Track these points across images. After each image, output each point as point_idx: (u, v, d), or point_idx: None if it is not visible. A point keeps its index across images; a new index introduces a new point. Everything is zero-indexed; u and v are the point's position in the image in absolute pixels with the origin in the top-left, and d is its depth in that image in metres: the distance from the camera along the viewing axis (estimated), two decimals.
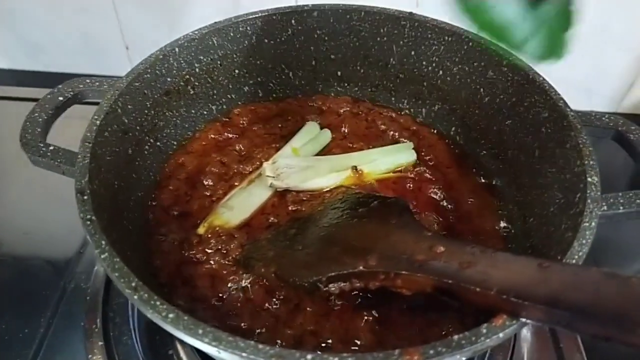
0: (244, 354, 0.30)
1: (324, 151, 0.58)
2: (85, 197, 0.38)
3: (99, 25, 0.92)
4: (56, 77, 0.99)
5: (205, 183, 0.54)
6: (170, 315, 0.32)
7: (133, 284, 0.33)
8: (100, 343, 0.53)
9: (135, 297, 0.33)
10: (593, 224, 0.38)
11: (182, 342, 0.55)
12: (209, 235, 0.49)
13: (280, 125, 0.61)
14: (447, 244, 0.39)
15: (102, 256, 0.35)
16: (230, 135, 0.59)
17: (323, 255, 0.44)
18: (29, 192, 0.71)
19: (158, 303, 0.32)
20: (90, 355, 0.53)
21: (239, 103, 0.63)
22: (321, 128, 0.61)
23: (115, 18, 0.91)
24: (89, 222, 0.37)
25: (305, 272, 0.43)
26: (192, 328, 0.31)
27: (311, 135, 0.59)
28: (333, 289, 0.41)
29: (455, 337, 0.31)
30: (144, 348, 0.55)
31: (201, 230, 0.50)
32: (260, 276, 0.46)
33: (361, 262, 0.40)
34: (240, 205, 0.51)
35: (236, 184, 0.54)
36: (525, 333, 0.58)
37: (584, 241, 0.37)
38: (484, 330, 0.32)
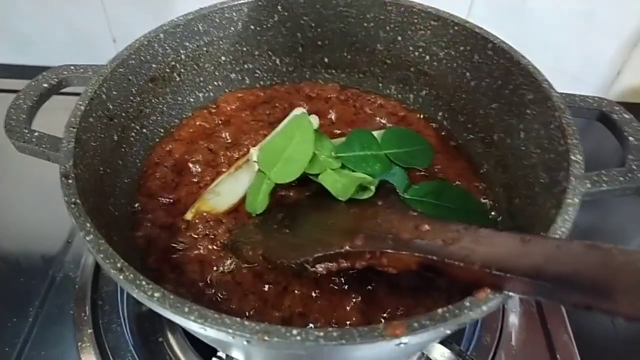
0: (229, 331, 0.30)
1: None
2: (70, 181, 0.38)
3: (86, 18, 0.92)
4: (42, 70, 0.98)
5: (193, 170, 0.54)
6: (156, 295, 0.32)
7: (118, 265, 0.33)
8: (89, 331, 0.54)
9: (121, 277, 0.33)
10: (576, 200, 0.39)
11: (172, 329, 0.56)
12: (197, 221, 0.49)
13: (267, 113, 0.60)
14: (432, 222, 0.39)
15: (87, 238, 0.35)
16: (217, 122, 0.59)
17: (310, 237, 0.45)
18: (16, 183, 0.70)
19: (144, 283, 0.32)
20: (79, 344, 0.53)
21: (226, 90, 0.63)
22: (309, 114, 0.61)
23: (103, 10, 0.90)
24: (73, 206, 0.37)
25: (293, 253, 0.43)
26: (178, 306, 0.31)
27: None
28: (320, 269, 0.41)
29: (439, 310, 0.32)
30: (134, 336, 0.55)
31: (188, 216, 0.50)
32: (248, 259, 0.46)
33: (347, 242, 0.40)
34: (227, 191, 0.51)
35: (223, 170, 0.54)
36: (514, 319, 0.59)
37: (567, 217, 0.37)
38: (467, 304, 0.32)
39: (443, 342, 0.50)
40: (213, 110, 0.61)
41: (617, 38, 0.87)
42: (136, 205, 0.50)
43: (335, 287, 0.45)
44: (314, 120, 0.59)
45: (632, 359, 0.59)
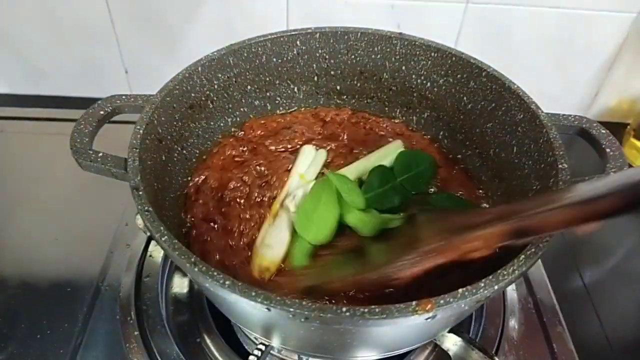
0: (291, 309, 0.37)
1: (328, 164, 0.65)
2: (141, 193, 0.45)
3: (100, 50, 0.98)
4: (56, 100, 1.04)
5: (231, 196, 0.60)
6: (227, 282, 0.38)
7: (192, 259, 0.40)
8: (136, 333, 0.59)
9: (196, 269, 0.39)
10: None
11: (208, 331, 0.62)
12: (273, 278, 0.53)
13: (288, 138, 0.67)
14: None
15: (163, 239, 0.41)
16: (245, 151, 0.66)
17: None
18: (56, 204, 0.76)
19: (215, 273, 0.39)
20: (127, 345, 0.59)
21: (250, 116, 0.70)
22: (324, 137, 0.68)
23: (116, 43, 0.97)
24: (147, 213, 0.43)
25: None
26: (246, 291, 0.38)
27: (310, 158, 0.64)
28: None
29: (460, 290, 0.38)
30: (175, 337, 0.61)
31: (256, 274, 0.53)
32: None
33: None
34: (275, 241, 0.55)
35: (261, 211, 0.59)
36: (513, 315, 0.66)
37: None
38: (482, 284, 0.39)
39: (454, 332, 0.56)
40: (240, 139, 0.67)
41: (593, 63, 0.96)
42: (187, 222, 0.57)
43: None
44: (322, 154, 0.65)
45: None
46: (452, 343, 0.57)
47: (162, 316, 0.61)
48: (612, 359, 0.65)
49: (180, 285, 0.67)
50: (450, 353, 0.57)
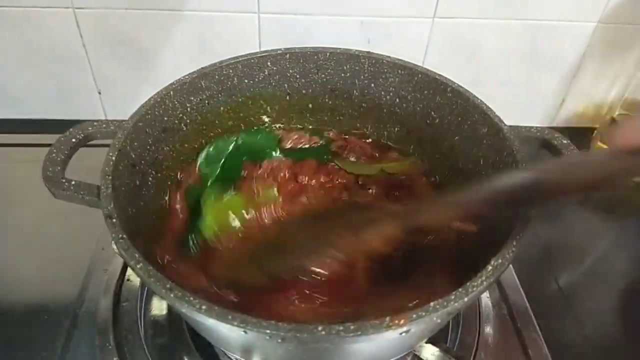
0: (267, 331, 0.38)
1: None
2: (114, 220, 0.45)
3: (72, 72, 0.98)
4: (29, 123, 1.03)
5: None
6: (204, 307, 0.39)
7: (168, 285, 0.40)
8: (115, 359, 0.59)
9: (172, 295, 0.39)
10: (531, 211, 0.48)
11: (188, 353, 0.62)
12: None
13: None
14: None
15: (138, 266, 0.42)
16: None
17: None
18: (31, 232, 0.76)
19: (191, 298, 0.39)
20: None
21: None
22: None
23: (88, 65, 0.97)
24: (121, 240, 0.44)
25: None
26: (222, 314, 0.38)
27: None
28: None
29: (431, 303, 0.40)
30: None
31: None
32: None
33: None
34: None
35: None
36: (489, 322, 0.67)
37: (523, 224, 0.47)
38: (452, 297, 0.40)
39: (432, 342, 0.58)
40: None
41: (558, 72, 0.99)
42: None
43: None
44: None
45: None
46: (430, 353, 0.58)
47: (141, 341, 0.61)
48: None
49: (159, 307, 0.67)
50: None
